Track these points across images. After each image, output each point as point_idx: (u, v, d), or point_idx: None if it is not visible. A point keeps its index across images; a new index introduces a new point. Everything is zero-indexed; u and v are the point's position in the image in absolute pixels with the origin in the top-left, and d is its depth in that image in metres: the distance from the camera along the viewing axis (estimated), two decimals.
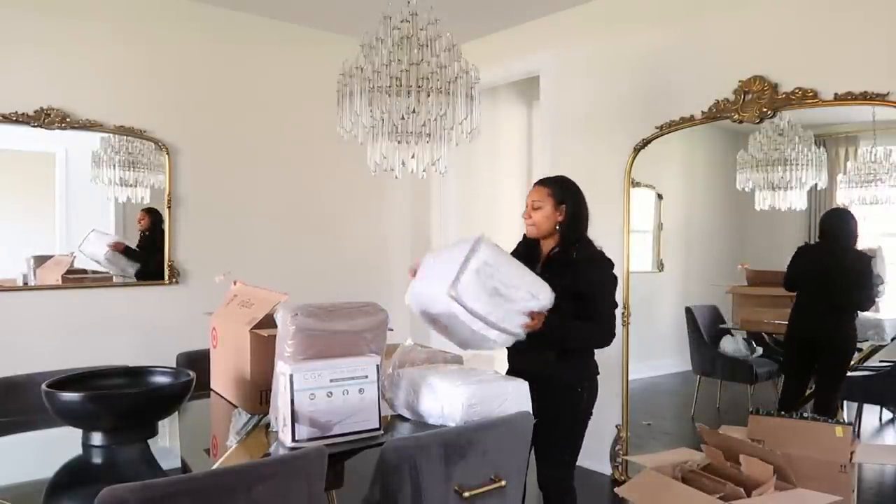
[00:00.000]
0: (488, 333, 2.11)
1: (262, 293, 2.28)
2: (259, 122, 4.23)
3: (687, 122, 3.44)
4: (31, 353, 3.34)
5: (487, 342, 2.16)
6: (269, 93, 4.26)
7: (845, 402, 3.31)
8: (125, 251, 3.82)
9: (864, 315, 3.26)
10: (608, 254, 2.44)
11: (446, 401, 1.97)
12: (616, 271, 2.45)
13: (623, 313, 3.64)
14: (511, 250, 2.52)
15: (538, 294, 2.15)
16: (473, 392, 1.95)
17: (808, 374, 3.44)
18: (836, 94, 2.93)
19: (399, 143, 2.47)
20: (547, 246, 2.48)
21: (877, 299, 3.23)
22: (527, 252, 2.51)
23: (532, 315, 2.16)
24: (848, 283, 3.28)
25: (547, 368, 2.34)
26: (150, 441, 1.93)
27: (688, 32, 3.51)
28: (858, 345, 3.27)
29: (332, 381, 1.83)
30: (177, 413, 2.09)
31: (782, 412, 2.86)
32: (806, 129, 3.24)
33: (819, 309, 3.33)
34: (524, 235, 2.55)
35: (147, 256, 3.89)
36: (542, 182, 2.51)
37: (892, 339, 3.17)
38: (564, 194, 2.45)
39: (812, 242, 3.35)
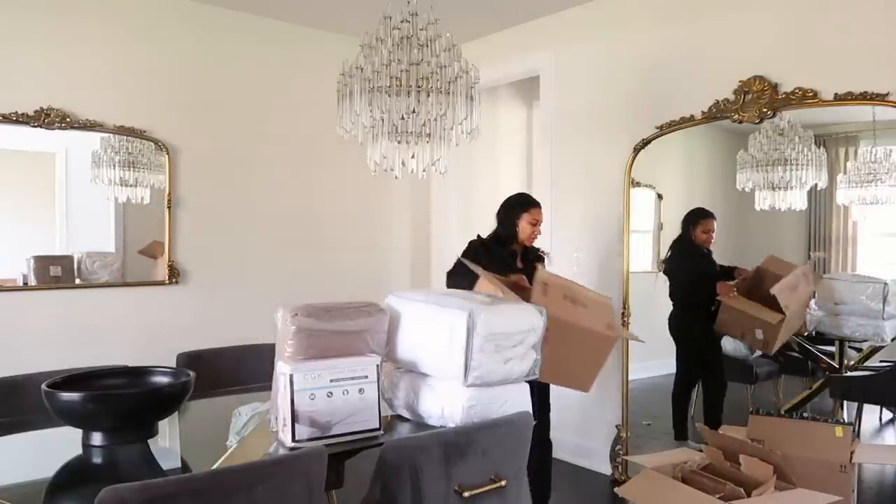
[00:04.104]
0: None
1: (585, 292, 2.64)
2: (259, 122, 4.23)
3: (687, 122, 3.44)
4: (31, 353, 3.34)
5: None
6: (269, 93, 4.26)
7: (845, 402, 3.31)
8: None
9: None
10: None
11: (446, 402, 1.97)
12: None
13: (623, 313, 3.65)
14: (474, 252, 2.98)
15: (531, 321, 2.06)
16: (473, 393, 1.95)
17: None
18: (836, 94, 2.93)
19: (399, 143, 2.46)
20: (520, 245, 3.09)
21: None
22: (501, 250, 3.05)
23: None
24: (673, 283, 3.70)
25: None
26: (150, 441, 1.93)
27: (688, 32, 3.51)
28: (857, 345, 3.27)
29: (332, 381, 1.83)
30: (177, 413, 2.10)
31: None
32: (806, 129, 3.23)
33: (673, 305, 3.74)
34: (491, 238, 3.10)
35: None
36: (540, 204, 3.14)
37: (893, 340, 3.16)
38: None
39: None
